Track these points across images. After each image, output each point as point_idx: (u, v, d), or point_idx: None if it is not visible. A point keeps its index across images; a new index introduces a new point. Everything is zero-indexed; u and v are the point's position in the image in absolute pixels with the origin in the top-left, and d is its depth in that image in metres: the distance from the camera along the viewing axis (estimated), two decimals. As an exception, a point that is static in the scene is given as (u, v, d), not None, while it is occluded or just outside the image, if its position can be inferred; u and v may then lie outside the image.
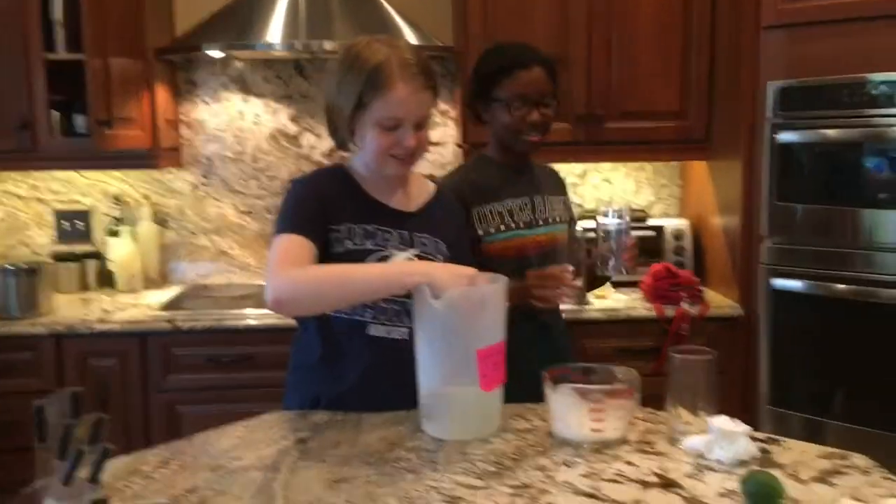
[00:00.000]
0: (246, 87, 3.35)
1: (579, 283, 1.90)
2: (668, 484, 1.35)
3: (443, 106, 3.33)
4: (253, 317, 2.84)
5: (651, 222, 3.27)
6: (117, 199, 3.28)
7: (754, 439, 1.47)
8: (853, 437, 2.51)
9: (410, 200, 1.80)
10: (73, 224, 3.34)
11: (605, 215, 1.95)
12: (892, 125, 2.49)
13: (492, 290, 1.55)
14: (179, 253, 3.41)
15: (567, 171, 2.91)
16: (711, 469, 1.40)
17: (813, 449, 1.49)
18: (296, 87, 3.36)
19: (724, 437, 1.42)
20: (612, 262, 1.94)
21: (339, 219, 1.68)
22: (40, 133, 2.91)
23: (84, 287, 3.27)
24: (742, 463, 1.40)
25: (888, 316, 2.52)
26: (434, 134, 3.27)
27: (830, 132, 2.60)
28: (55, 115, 2.94)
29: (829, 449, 1.49)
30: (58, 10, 2.86)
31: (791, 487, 1.30)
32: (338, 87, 1.66)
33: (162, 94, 3.12)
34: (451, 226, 1.85)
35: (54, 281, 3.08)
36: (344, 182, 1.75)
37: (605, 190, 3.47)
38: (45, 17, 2.86)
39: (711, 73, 3.03)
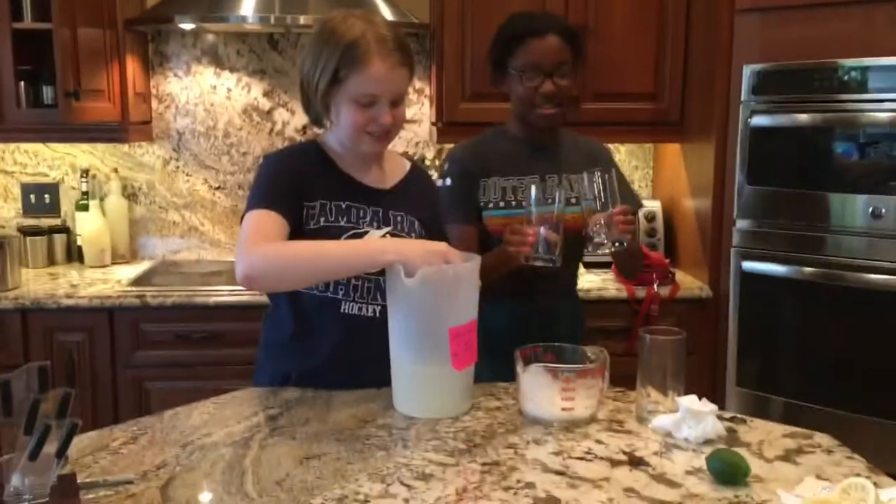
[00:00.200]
0: (218, 61, 3.30)
1: (553, 236, 1.78)
2: (636, 462, 1.36)
3: (418, 84, 3.31)
4: (223, 293, 2.81)
5: (624, 204, 3.28)
6: (85, 173, 3.23)
7: (721, 419, 1.49)
8: (818, 418, 2.56)
9: (385, 177, 1.79)
10: (40, 197, 3.28)
11: (585, 182, 1.82)
12: (862, 110, 2.52)
13: (465, 268, 1.55)
14: (149, 228, 3.37)
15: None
16: (679, 447, 1.42)
17: (778, 428, 1.52)
18: (269, 62, 3.31)
19: (691, 417, 1.44)
20: (604, 233, 1.80)
21: (312, 195, 1.67)
22: (6, 104, 2.84)
23: (51, 262, 3.22)
24: (709, 442, 1.42)
25: (855, 299, 2.56)
26: (408, 112, 3.25)
27: (802, 116, 2.62)
28: (22, 85, 2.87)
29: (794, 428, 1.51)
30: (25, -22, 2.79)
31: (756, 465, 1.32)
32: (313, 62, 1.64)
33: (132, 67, 3.06)
34: (426, 203, 1.84)
35: (21, 255, 3.03)
36: (317, 158, 1.73)
37: (579, 171, 3.47)
38: (12, -15, 2.79)
39: (686, 56, 3.04)
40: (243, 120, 3.34)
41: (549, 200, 1.83)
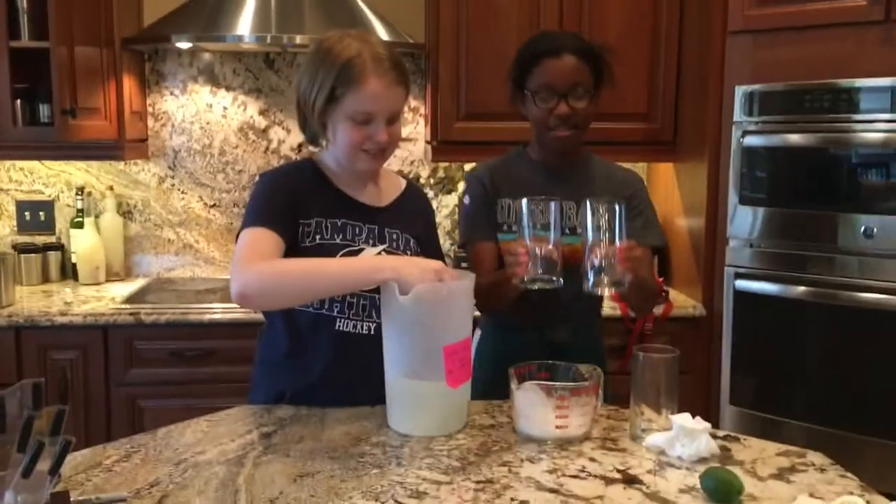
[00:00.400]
0: (214, 80, 3.32)
1: (552, 253, 1.64)
2: (630, 480, 1.36)
3: (413, 103, 3.33)
4: (217, 311, 2.81)
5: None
6: (81, 190, 3.23)
7: (715, 437, 1.49)
8: (811, 436, 2.56)
9: (381, 195, 1.80)
10: (35, 214, 3.28)
11: (588, 211, 1.60)
12: (854, 130, 2.54)
13: (459, 286, 1.56)
14: (144, 246, 3.37)
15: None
16: (673, 466, 1.42)
17: (771, 447, 1.52)
18: (265, 81, 3.33)
19: (685, 435, 1.44)
20: (605, 273, 1.59)
21: (308, 213, 1.67)
22: (3, 121, 2.85)
23: (46, 279, 3.22)
24: (703, 460, 1.43)
25: (848, 318, 2.57)
26: (404, 131, 3.27)
27: (794, 136, 2.64)
28: (18, 103, 2.88)
29: (787, 447, 1.52)
30: (23, -3, 2.81)
31: (750, 484, 1.33)
32: (310, 81, 1.66)
33: (129, 85, 3.08)
34: (421, 221, 1.85)
35: (15, 272, 3.03)
36: (313, 176, 1.74)
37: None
38: (10, 4, 2.80)
39: (679, 77, 3.07)
40: (239, 138, 3.36)
41: (578, 231, 1.68)
